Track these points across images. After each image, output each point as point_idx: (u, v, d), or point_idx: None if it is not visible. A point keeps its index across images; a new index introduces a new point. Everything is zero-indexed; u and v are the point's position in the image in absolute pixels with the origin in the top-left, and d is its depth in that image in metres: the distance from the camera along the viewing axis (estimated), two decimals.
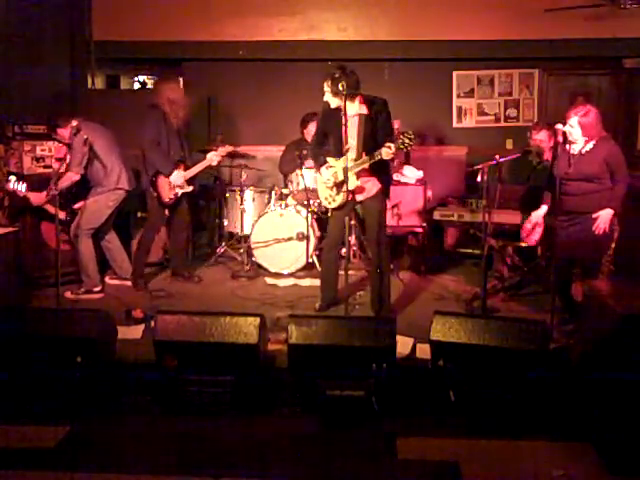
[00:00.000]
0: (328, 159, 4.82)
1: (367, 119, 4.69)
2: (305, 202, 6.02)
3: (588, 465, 3.26)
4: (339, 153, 4.68)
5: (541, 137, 5.67)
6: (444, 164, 7.27)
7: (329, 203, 4.93)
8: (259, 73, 7.65)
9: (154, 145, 5.59)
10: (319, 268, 5.97)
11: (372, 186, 4.79)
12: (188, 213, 6.02)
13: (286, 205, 6.21)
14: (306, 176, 6.06)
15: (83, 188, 5.57)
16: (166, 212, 5.83)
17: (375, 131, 4.67)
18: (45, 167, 5.89)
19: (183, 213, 5.94)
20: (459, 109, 7.73)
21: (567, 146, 4.48)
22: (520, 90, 7.68)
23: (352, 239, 6.13)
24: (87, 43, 7.29)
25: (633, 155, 7.12)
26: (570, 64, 7.60)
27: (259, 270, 6.17)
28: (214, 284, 5.97)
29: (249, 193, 6.48)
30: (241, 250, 6.41)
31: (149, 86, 10.02)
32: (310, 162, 6.20)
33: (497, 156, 5.01)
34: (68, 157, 5.45)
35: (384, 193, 4.88)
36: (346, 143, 4.49)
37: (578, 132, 4.41)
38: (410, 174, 6.34)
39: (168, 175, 5.63)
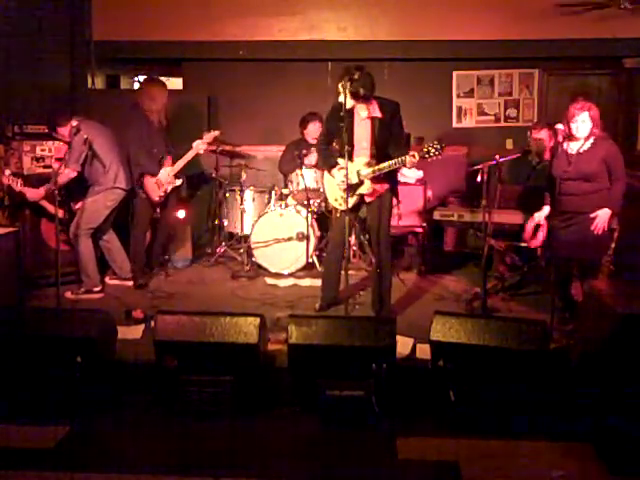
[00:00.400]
0: (339, 160, 4.74)
1: (381, 122, 4.63)
2: (305, 202, 6.02)
3: (588, 465, 3.27)
4: (349, 155, 4.63)
5: (542, 135, 5.67)
6: (444, 164, 7.23)
7: (340, 205, 4.82)
8: (259, 73, 7.64)
9: (138, 144, 5.62)
10: (319, 268, 5.97)
11: (380, 187, 4.77)
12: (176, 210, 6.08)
13: (286, 205, 6.21)
14: (306, 176, 6.06)
15: (82, 187, 5.58)
16: (157, 211, 5.87)
17: (388, 135, 4.63)
18: (45, 167, 5.89)
19: (169, 214, 6.00)
20: (459, 109, 7.73)
21: (565, 145, 4.48)
22: (520, 90, 7.67)
23: (352, 239, 6.13)
24: (87, 43, 7.29)
25: (633, 155, 7.11)
26: (570, 64, 7.59)
27: (259, 270, 6.17)
28: (214, 284, 5.97)
29: (249, 193, 6.49)
30: (241, 250, 6.41)
31: None
32: (310, 161, 6.23)
33: (497, 156, 5.02)
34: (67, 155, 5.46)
35: (391, 192, 4.85)
36: (356, 144, 4.44)
37: (589, 127, 4.39)
38: (410, 174, 6.33)
39: (155, 175, 5.68)
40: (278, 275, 6.10)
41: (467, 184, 6.96)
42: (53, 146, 5.89)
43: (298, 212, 6.14)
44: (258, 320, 3.83)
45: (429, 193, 6.21)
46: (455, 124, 7.74)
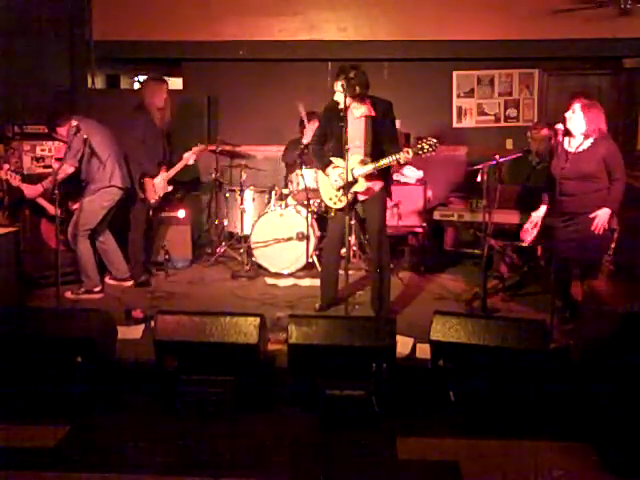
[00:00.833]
0: (333, 159, 4.79)
1: (374, 121, 4.67)
2: (305, 202, 6.02)
3: (588, 465, 3.27)
4: (343, 154, 4.65)
5: (544, 133, 5.68)
6: (444, 164, 7.25)
7: (334, 204, 4.86)
8: (259, 73, 7.64)
9: (141, 145, 5.70)
10: (319, 268, 5.96)
11: (374, 185, 4.79)
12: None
13: (286, 205, 6.21)
14: (306, 176, 6.06)
15: (79, 187, 5.57)
16: (150, 213, 6.04)
17: (381, 133, 4.67)
18: (45, 167, 5.90)
19: (159, 217, 6.28)
20: (459, 109, 7.73)
21: (565, 143, 4.48)
22: (520, 90, 7.67)
23: (352, 239, 6.13)
24: (87, 43, 7.28)
25: (633, 155, 7.11)
26: (570, 64, 7.59)
27: (259, 270, 6.17)
28: (214, 284, 5.98)
29: (249, 193, 6.49)
30: (241, 250, 6.41)
31: None
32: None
33: (497, 156, 5.02)
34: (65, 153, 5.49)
35: (385, 191, 4.87)
36: (350, 143, 4.47)
37: (579, 118, 4.39)
38: (410, 174, 6.34)
39: (154, 176, 5.81)
40: (278, 275, 6.10)
41: (467, 184, 6.96)
42: (53, 146, 5.91)
43: (298, 212, 6.14)
44: (258, 320, 3.83)
45: (429, 193, 6.21)
46: (455, 124, 7.74)
